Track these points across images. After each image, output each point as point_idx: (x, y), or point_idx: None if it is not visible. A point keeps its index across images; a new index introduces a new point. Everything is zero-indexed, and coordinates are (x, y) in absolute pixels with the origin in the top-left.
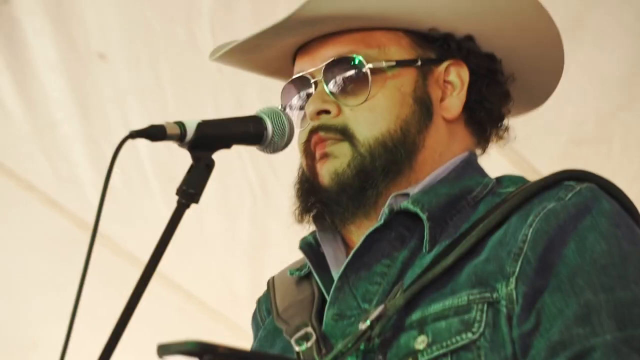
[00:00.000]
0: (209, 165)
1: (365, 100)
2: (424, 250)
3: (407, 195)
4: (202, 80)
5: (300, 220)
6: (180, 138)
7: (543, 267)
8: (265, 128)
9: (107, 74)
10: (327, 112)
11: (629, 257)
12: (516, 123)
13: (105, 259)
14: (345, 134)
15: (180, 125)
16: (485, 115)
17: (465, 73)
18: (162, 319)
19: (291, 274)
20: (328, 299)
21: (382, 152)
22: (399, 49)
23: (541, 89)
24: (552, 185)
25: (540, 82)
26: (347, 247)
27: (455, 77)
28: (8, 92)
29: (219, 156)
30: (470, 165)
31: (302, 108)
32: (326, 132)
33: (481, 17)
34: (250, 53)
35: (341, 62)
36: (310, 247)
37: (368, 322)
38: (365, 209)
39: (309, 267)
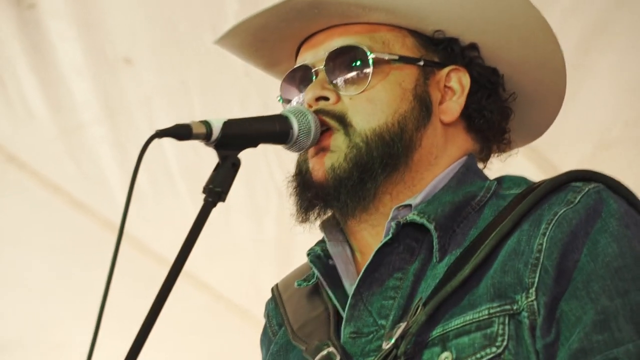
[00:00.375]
0: (236, 164)
1: (365, 90)
2: (434, 260)
3: (409, 206)
4: (228, 84)
5: (302, 220)
6: (206, 137)
7: (560, 274)
8: (291, 127)
9: (133, 78)
10: (326, 99)
11: (634, 257)
12: None
13: (132, 259)
14: (342, 121)
15: (206, 124)
16: (485, 125)
17: (466, 80)
18: (190, 319)
19: (299, 285)
20: (344, 316)
21: (379, 143)
22: (403, 47)
23: (541, 117)
24: (559, 188)
25: (540, 109)
26: (354, 255)
27: (456, 83)
28: (35, 96)
29: (245, 157)
30: (470, 170)
31: (302, 98)
32: (324, 116)
33: (487, 25)
34: (257, 42)
35: (344, 51)
36: (319, 259)
37: (392, 341)
38: (364, 204)
39: (317, 278)
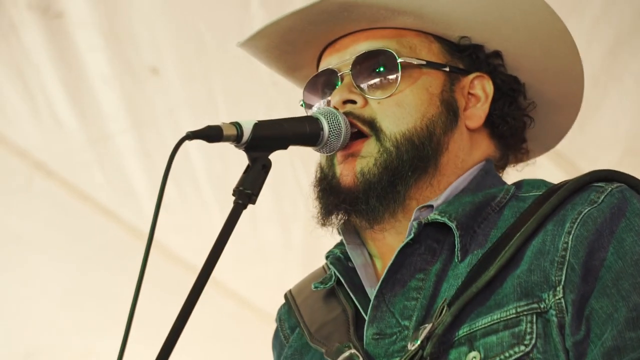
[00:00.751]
0: (266, 166)
1: (393, 94)
2: (455, 260)
3: (430, 207)
4: (255, 93)
5: (323, 223)
6: (236, 139)
7: (587, 273)
8: (322, 128)
9: (160, 88)
10: (353, 102)
11: None
12: (572, 134)
13: (159, 266)
14: (372, 126)
15: (237, 125)
16: (508, 131)
17: (490, 87)
18: (217, 325)
19: (316, 287)
20: (366, 317)
21: (408, 147)
22: (429, 53)
23: (557, 126)
24: (582, 188)
25: (557, 118)
26: (372, 259)
27: (480, 90)
28: (63, 105)
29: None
30: (489, 174)
31: (327, 102)
32: (354, 119)
33: (511, 33)
34: (283, 45)
35: (372, 55)
36: (339, 261)
37: (418, 342)
38: (394, 207)
39: (334, 280)
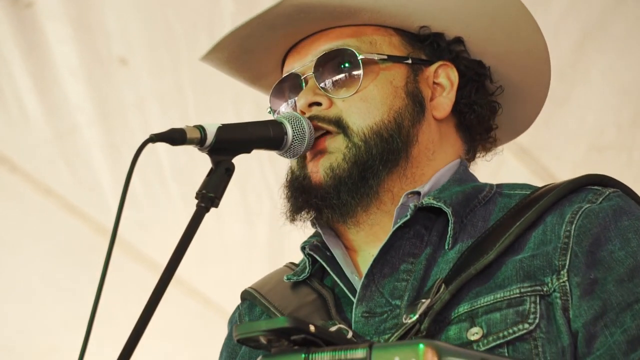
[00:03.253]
0: (229, 169)
1: (357, 91)
2: (446, 247)
3: (418, 193)
4: (223, 86)
5: (293, 219)
6: (200, 142)
7: (593, 260)
8: (286, 132)
9: (128, 79)
10: (319, 104)
11: None
12: (537, 129)
13: (124, 264)
14: (339, 125)
15: (201, 128)
16: (475, 119)
17: (454, 75)
18: (181, 325)
19: (288, 279)
20: (356, 297)
21: (377, 141)
22: (390, 46)
23: (526, 110)
24: (578, 189)
25: (526, 101)
26: (346, 248)
27: (445, 79)
28: (29, 97)
29: (238, 162)
30: (466, 171)
31: (294, 108)
32: (320, 122)
33: (470, 18)
34: (244, 54)
35: (332, 55)
36: (319, 249)
37: (414, 316)
38: (366, 201)
39: (308, 272)
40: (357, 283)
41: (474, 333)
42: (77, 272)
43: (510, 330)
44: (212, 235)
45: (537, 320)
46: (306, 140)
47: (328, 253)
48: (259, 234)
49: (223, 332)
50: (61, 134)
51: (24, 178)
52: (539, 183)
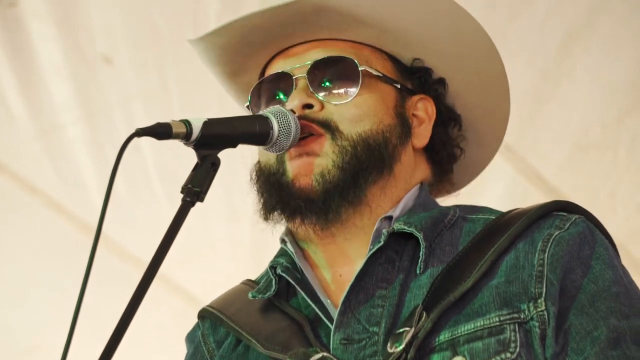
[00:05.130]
0: (215, 164)
1: (352, 99)
2: (417, 271)
3: (390, 218)
4: (208, 85)
5: (266, 217)
6: (186, 136)
7: (563, 290)
8: (272, 127)
9: (112, 78)
10: (311, 106)
11: (629, 286)
12: (522, 128)
13: (108, 262)
14: (328, 127)
15: (187, 123)
16: (447, 157)
17: (432, 110)
18: (165, 322)
19: (253, 296)
20: (334, 323)
21: (365, 148)
22: (384, 69)
23: (477, 163)
24: (546, 215)
25: (478, 155)
26: (313, 269)
27: (423, 112)
28: (13, 95)
29: (223, 159)
30: (428, 196)
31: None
32: (309, 121)
33: (458, 62)
34: (241, 46)
35: (332, 61)
36: (290, 271)
37: (400, 346)
38: (352, 208)
39: (274, 291)
40: (330, 306)
41: None
42: (61, 270)
43: None
44: (197, 233)
45: (517, 349)
46: (292, 135)
47: (298, 275)
48: (243, 232)
49: None
50: (45, 132)
51: (8, 176)
52: (524, 182)
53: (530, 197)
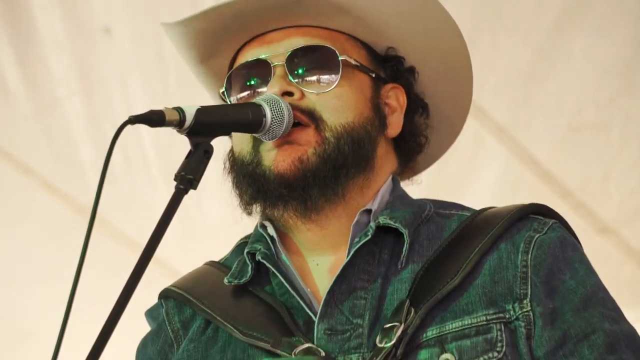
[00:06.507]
0: (208, 152)
1: (332, 89)
2: (399, 266)
3: (369, 211)
4: None
5: (248, 212)
6: (179, 124)
7: (549, 290)
8: (264, 115)
9: (110, 49)
10: (291, 94)
11: (608, 293)
12: (516, 108)
13: (104, 244)
14: (312, 116)
15: (180, 110)
16: (415, 147)
17: (403, 99)
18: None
19: (229, 282)
20: (318, 313)
21: (348, 140)
22: (360, 58)
23: (437, 151)
24: (524, 217)
25: (439, 145)
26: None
27: (394, 101)
28: (11, 70)
29: (219, 141)
30: (402, 188)
31: (253, 92)
32: (293, 109)
33: (428, 50)
34: (219, 30)
35: (312, 50)
36: (270, 258)
37: (389, 342)
38: (333, 200)
39: (250, 276)
40: (310, 295)
41: (446, 359)
42: (57, 253)
43: (481, 358)
44: (192, 215)
45: (504, 349)
46: (285, 123)
47: (277, 262)
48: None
49: None
50: (42, 108)
51: (2, 156)
52: (517, 164)
53: (524, 183)
